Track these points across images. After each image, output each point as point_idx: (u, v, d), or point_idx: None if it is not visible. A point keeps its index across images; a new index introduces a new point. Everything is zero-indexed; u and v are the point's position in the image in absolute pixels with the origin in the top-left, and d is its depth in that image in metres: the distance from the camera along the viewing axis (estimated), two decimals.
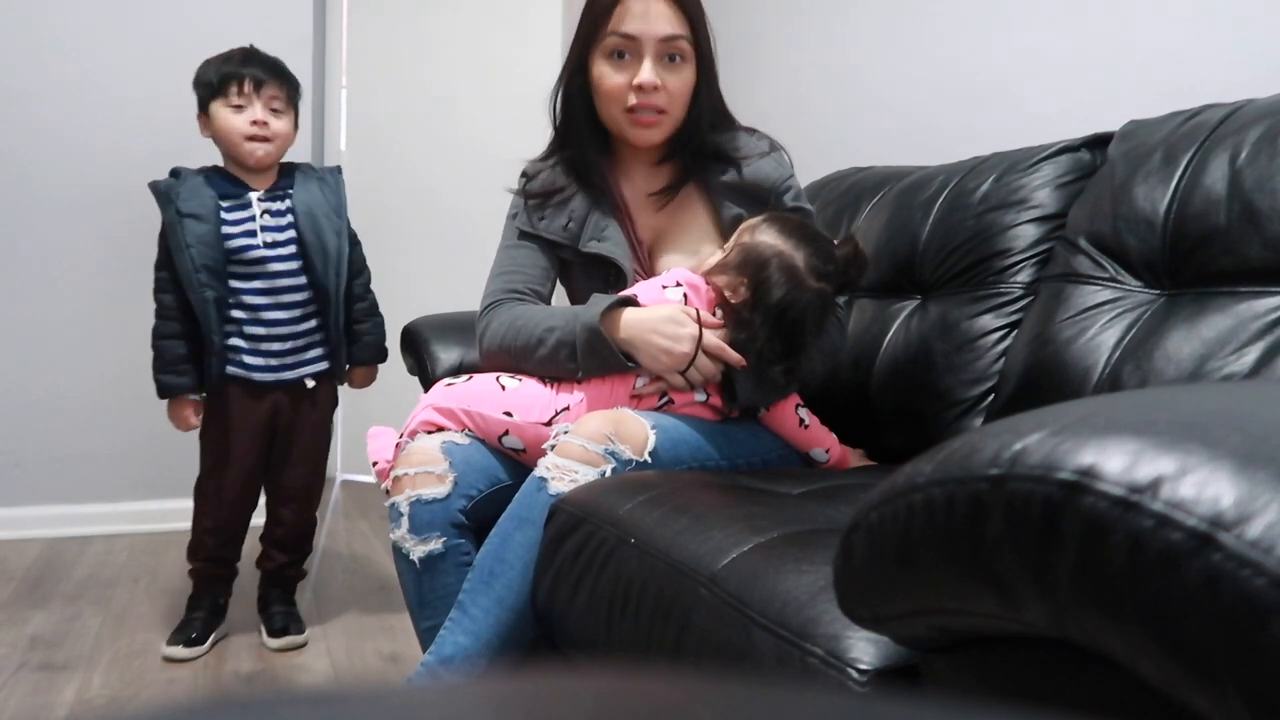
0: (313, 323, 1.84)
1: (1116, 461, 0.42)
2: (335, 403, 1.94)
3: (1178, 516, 0.39)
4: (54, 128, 2.47)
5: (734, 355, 1.26)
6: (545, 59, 3.15)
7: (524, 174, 1.50)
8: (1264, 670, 0.36)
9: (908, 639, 0.59)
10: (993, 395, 1.32)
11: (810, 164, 1.98)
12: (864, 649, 0.71)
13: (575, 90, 1.42)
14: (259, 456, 1.85)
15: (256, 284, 1.78)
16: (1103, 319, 1.17)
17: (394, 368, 1.94)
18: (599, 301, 1.28)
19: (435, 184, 3.26)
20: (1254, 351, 1.00)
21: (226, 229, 1.76)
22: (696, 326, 1.26)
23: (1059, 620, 0.45)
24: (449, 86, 3.26)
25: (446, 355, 1.69)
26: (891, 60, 2.10)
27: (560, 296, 1.51)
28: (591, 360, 1.26)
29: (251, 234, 1.78)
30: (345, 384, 1.95)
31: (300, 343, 1.83)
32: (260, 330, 1.79)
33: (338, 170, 1.93)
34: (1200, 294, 1.09)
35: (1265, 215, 1.04)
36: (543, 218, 1.44)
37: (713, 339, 1.27)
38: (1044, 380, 1.20)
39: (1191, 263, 1.11)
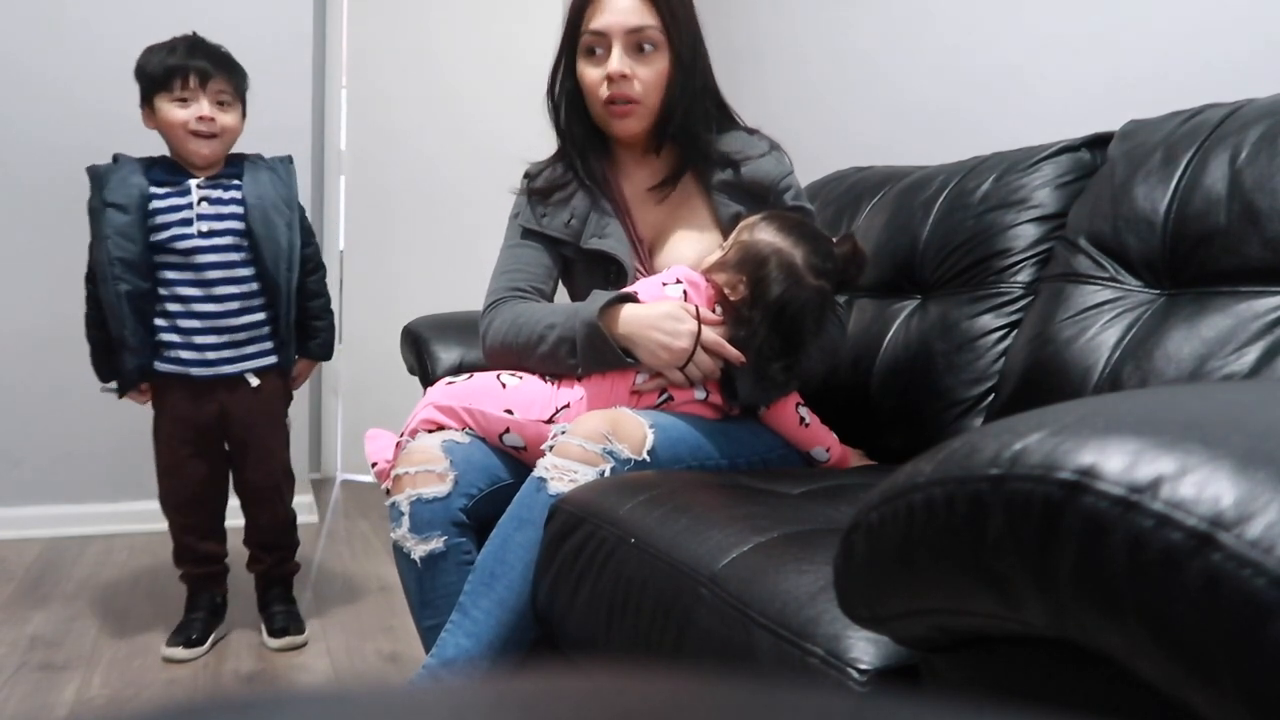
0: (255, 316, 1.78)
1: (1116, 461, 0.42)
2: (288, 398, 1.90)
3: (1178, 516, 0.39)
4: (51, 129, 2.47)
5: (733, 351, 1.26)
6: (546, 56, 3.14)
7: (526, 174, 1.51)
8: (1264, 670, 0.36)
9: (908, 639, 0.59)
10: (993, 395, 1.32)
11: (821, 159, 1.98)
12: (864, 649, 0.71)
13: (564, 93, 1.44)
14: (211, 455, 1.82)
15: (189, 274, 1.73)
16: (1103, 319, 1.17)
17: (394, 367, 1.94)
18: (598, 298, 1.29)
19: (436, 183, 3.26)
20: (1254, 351, 1.00)
21: (160, 218, 1.72)
22: (695, 322, 1.26)
23: (1059, 620, 0.45)
24: (450, 85, 3.26)
25: (447, 355, 1.69)
26: (898, 56, 2.10)
27: (563, 295, 1.52)
28: (591, 356, 1.26)
29: (187, 222, 1.73)
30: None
31: (239, 336, 1.77)
32: (195, 324, 1.74)
33: (289, 160, 1.87)
34: (1200, 294, 1.09)
35: (1265, 215, 1.04)
36: (545, 215, 1.45)
37: (711, 335, 1.27)
38: (1044, 380, 1.20)
39: (1192, 262, 1.11)
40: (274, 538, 1.91)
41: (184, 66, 1.70)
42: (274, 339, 1.82)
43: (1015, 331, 1.33)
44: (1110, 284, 1.19)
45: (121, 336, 1.71)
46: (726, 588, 0.84)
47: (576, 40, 1.40)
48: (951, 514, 0.48)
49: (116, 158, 1.78)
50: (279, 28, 2.56)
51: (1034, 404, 0.58)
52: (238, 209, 1.76)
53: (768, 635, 0.77)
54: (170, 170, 1.76)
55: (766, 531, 0.91)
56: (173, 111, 1.71)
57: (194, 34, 1.77)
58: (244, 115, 1.79)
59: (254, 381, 1.80)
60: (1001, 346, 1.34)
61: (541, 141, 1.53)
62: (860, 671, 0.69)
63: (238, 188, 1.77)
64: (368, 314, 3.17)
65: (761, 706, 0.18)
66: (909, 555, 0.51)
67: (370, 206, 3.27)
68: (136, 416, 2.26)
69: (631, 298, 1.30)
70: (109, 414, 2.51)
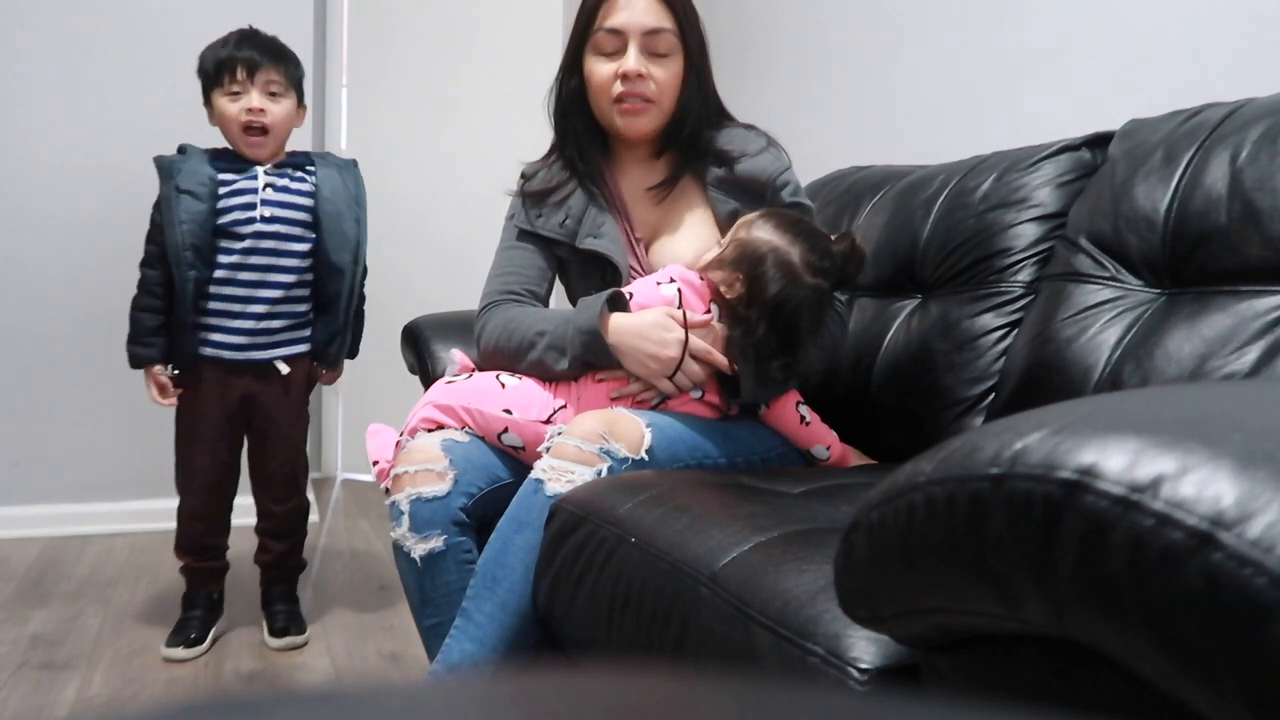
0: (293, 307, 1.81)
1: (1117, 460, 0.42)
2: (311, 385, 1.91)
3: (1178, 515, 0.39)
4: (47, 138, 2.47)
5: (720, 358, 1.27)
6: (547, 56, 3.14)
7: (522, 175, 1.51)
8: (1264, 670, 0.36)
9: (908, 638, 0.59)
10: (993, 394, 1.32)
11: (821, 159, 1.97)
12: (864, 648, 0.71)
13: (570, 91, 1.43)
14: (231, 440, 1.84)
15: (235, 259, 1.75)
16: (1103, 318, 1.17)
17: (394, 367, 1.94)
18: (588, 306, 1.29)
19: (436, 183, 3.26)
20: (1254, 350, 1.00)
21: (224, 201, 1.74)
22: (683, 331, 1.26)
23: (1059, 619, 0.45)
24: (450, 85, 3.26)
25: (447, 354, 1.69)
26: (899, 55, 2.10)
27: (560, 295, 1.52)
28: (587, 364, 1.28)
29: (250, 207, 1.75)
30: (323, 371, 1.92)
31: (275, 324, 1.80)
32: (235, 308, 1.76)
33: (354, 164, 1.92)
34: (1201, 293, 1.09)
35: (1266, 214, 1.04)
36: (540, 215, 1.45)
37: (699, 342, 1.27)
38: (1044, 379, 1.20)
39: (1192, 262, 1.11)
40: (287, 525, 1.90)
41: (232, 59, 1.72)
42: (310, 328, 1.84)
43: (1016, 331, 1.33)
44: (1111, 283, 1.19)
45: (187, 322, 1.73)
46: (726, 587, 0.84)
47: (587, 36, 1.40)
48: (952, 513, 0.48)
49: (183, 148, 1.80)
50: (279, 28, 2.54)
51: (1034, 403, 0.59)
52: (303, 200, 1.79)
53: (768, 635, 0.77)
54: (235, 160, 1.78)
55: (766, 531, 0.91)
56: (226, 106, 1.73)
57: (249, 26, 1.79)
58: (300, 104, 1.81)
59: (284, 369, 1.82)
60: (1002, 346, 1.34)
61: (541, 141, 1.53)
62: (860, 671, 0.69)
63: (303, 179, 1.79)
64: (368, 313, 3.16)
65: (761, 706, 0.18)
66: (909, 554, 0.51)
67: (370, 206, 3.26)
68: (136, 417, 2.26)
69: (620, 295, 1.30)
70: (109, 414, 2.52)
